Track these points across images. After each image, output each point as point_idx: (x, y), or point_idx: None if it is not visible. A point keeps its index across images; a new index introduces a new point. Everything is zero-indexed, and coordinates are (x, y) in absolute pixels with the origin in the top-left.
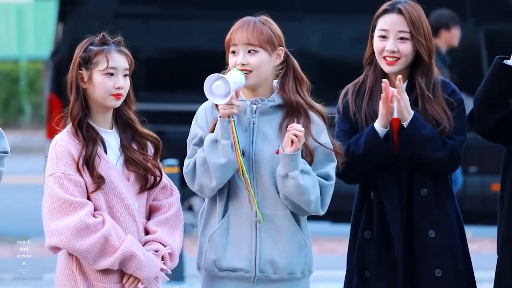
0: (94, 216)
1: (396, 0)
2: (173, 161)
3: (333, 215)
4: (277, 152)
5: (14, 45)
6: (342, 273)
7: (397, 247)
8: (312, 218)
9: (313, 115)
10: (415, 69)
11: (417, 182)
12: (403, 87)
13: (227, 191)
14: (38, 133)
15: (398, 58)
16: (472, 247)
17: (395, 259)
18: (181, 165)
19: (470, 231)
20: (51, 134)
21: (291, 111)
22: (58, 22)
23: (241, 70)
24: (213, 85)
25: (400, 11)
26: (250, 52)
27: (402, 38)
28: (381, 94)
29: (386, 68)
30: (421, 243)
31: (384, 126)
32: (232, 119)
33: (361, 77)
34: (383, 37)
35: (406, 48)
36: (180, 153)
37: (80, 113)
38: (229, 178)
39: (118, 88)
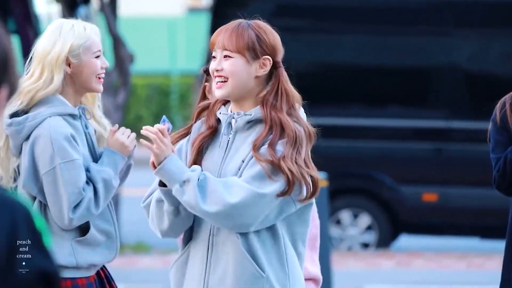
0: None
1: None
2: (322, 175)
3: (483, 230)
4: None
5: (165, 59)
6: None
7: None
8: (461, 233)
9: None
10: None
11: None
12: None
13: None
14: None
15: None
16: None
17: None
18: (329, 178)
19: None
20: None
21: (265, 127)
22: (210, 35)
23: (217, 76)
24: None
25: None
26: (225, 57)
27: None
28: None
29: None
30: None
31: None
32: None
33: None
34: None
35: None
36: (329, 167)
37: None
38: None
39: None
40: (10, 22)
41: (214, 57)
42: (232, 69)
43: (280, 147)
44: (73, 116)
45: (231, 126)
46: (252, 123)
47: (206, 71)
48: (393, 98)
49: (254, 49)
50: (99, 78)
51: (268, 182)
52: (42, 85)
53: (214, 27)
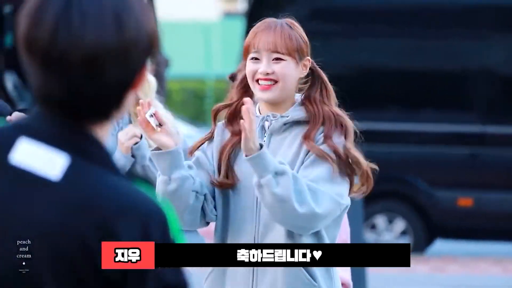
0: None
1: None
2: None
3: None
4: None
5: (201, 63)
6: None
7: None
8: (496, 237)
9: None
10: None
11: None
12: None
13: (223, 223)
14: None
15: None
16: None
17: None
18: None
19: None
20: None
21: (316, 123)
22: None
23: (264, 79)
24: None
25: None
26: (275, 60)
27: None
28: None
29: None
30: None
31: None
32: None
33: None
34: None
35: None
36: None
37: None
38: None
39: None
40: None
41: (256, 58)
42: (284, 72)
43: (338, 139)
44: None
45: (264, 129)
46: (288, 125)
47: (232, 78)
48: (428, 102)
49: (302, 51)
50: None
51: (338, 182)
52: None
53: (249, 31)
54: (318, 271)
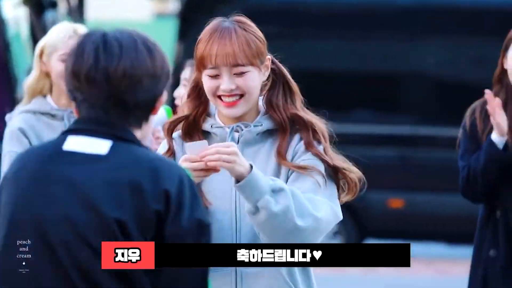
0: None
1: None
2: None
3: (449, 236)
4: None
5: None
6: None
7: None
8: (427, 238)
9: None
10: None
11: None
12: None
13: None
14: None
15: None
16: None
17: None
18: None
19: None
20: None
21: (284, 135)
22: (179, 41)
23: (229, 96)
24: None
25: None
26: (237, 74)
27: None
28: (486, 107)
29: None
30: None
31: (501, 135)
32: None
33: None
34: None
35: None
36: None
37: None
38: None
39: None
40: None
41: (216, 75)
42: (248, 85)
43: (318, 146)
44: (52, 115)
45: (234, 140)
46: (260, 135)
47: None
48: (359, 103)
49: (262, 54)
50: None
51: (328, 193)
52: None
53: (182, 32)
54: (299, 276)
